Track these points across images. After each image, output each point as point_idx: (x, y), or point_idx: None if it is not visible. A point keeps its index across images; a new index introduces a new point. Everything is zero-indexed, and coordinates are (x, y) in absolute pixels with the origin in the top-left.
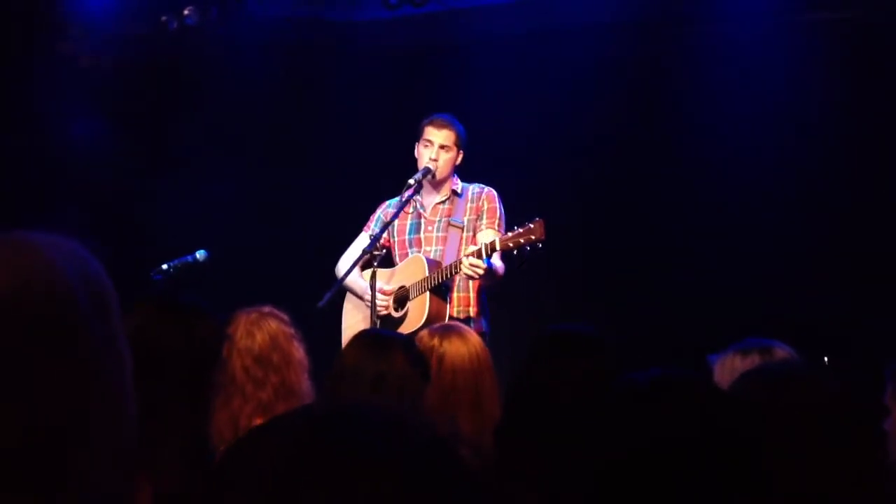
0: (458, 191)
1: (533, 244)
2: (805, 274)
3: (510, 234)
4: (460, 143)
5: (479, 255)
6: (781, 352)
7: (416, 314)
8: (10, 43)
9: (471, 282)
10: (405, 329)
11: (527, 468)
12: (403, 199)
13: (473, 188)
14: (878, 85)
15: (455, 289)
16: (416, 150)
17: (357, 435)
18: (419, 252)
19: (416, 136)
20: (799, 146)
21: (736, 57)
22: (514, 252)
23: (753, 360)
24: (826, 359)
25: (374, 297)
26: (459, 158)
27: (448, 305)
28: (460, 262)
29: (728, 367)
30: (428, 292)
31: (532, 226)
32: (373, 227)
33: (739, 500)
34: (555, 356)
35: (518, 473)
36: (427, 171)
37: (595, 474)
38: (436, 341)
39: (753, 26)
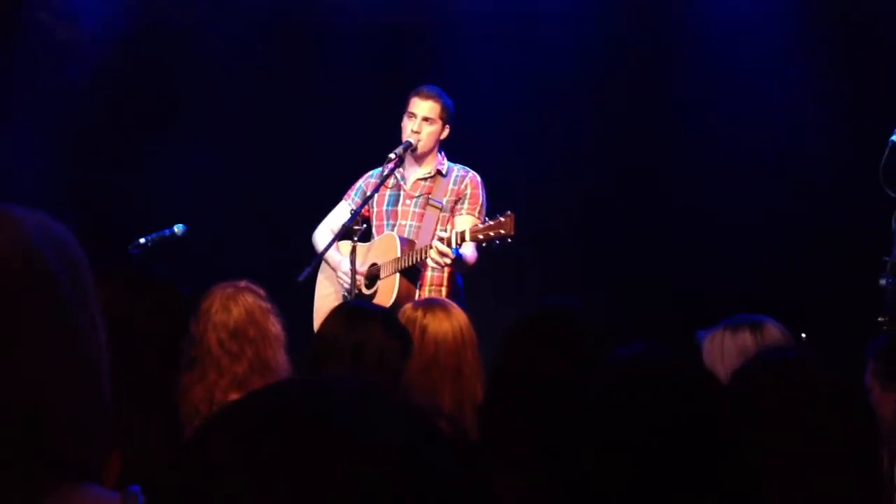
0: (444, 171)
1: (503, 238)
2: (795, 254)
3: (481, 225)
4: (446, 117)
5: (448, 243)
6: (772, 328)
7: (386, 293)
8: None
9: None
10: None
11: (509, 446)
12: (384, 174)
13: (458, 170)
14: (876, 68)
15: (428, 269)
16: (402, 123)
17: (331, 409)
18: (394, 224)
19: (403, 108)
20: (790, 128)
21: (729, 38)
22: (484, 244)
23: (744, 337)
24: (804, 335)
25: (353, 272)
26: (445, 133)
27: (418, 287)
28: (429, 248)
29: (717, 343)
30: (398, 273)
31: (502, 219)
32: (353, 196)
33: (719, 483)
34: (541, 332)
35: (500, 451)
36: (408, 144)
37: (576, 453)
38: (419, 314)
39: (749, 7)
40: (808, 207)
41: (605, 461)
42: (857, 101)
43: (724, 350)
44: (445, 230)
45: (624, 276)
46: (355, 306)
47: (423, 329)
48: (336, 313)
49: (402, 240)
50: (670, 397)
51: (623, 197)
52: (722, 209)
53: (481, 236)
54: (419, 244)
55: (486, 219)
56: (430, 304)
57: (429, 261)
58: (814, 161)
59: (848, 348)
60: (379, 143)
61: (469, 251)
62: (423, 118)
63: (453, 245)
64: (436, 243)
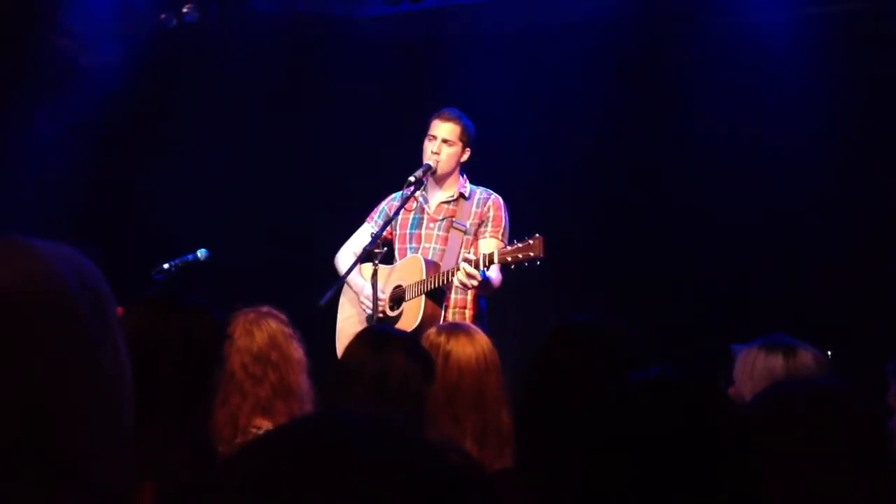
0: (466, 194)
1: (531, 261)
2: (812, 269)
3: (509, 248)
4: (466, 140)
5: (476, 265)
6: (806, 354)
7: (411, 315)
8: (5, 39)
9: None
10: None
11: (543, 459)
12: (404, 196)
13: (481, 193)
14: (889, 77)
15: (452, 290)
16: (423, 145)
17: (350, 436)
18: (418, 248)
19: (425, 130)
20: (805, 142)
21: (744, 48)
22: (512, 266)
23: (776, 359)
24: (829, 353)
25: (375, 295)
26: (465, 155)
27: (443, 309)
28: (457, 269)
29: (750, 361)
30: (424, 295)
31: (531, 242)
32: (376, 218)
33: (726, 499)
34: (573, 347)
35: (535, 464)
36: (428, 167)
37: (589, 466)
38: (442, 339)
39: (756, 19)
40: (819, 215)
41: (610, 473)
42: (862, 106)
43: (754, 369)
44: (471, 252)
45: (648, 295)
46: (379, 332)
47: (447, 354)
48: (359, 339)
49: (427, 262)
50: (679, 415)
51: (645, 211)
52: (741, 218)
53: (510, 258)
54: (444, 267)
55: (515, 241)
56: (453, 329)
57: (455, 282)
58: (843, 174)
59: (872, 363)
60: (398, 160)
61: (494, 274)
62: (443, 140)
63: (481, 267)
64: (463, 265)
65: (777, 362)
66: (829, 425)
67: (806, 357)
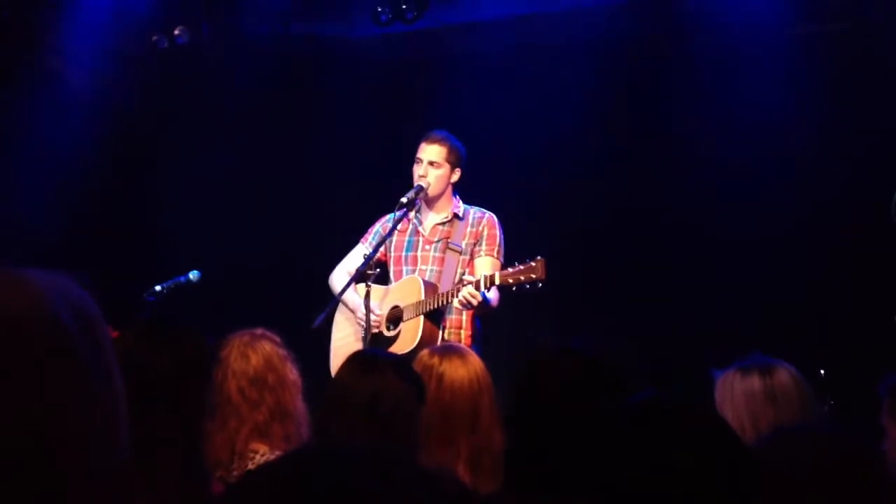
0: (460, 214)
1: (533, 282)
2: (804, 285)
3: (510, 269)
4: (454, 161)
5: (477, 286)
6: (783, 373)
7: (409, 336)
8: (2, 60)
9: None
10: (396, 349)
11: (531, 489)
12: (397, 218)
13: (475, 213)
14: (876, 96)
15: (448, 312)
16: (412, 169)
17: (351, 472)
18: (413, 270)
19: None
20: (798, 157)
21: (732, 69)
22: (513, 288)
23: (752, 381)
24: (822, 371)
25: (368, 316)
26: (455, 176)
27: (440, 330)
28: (457, 291)
29: (728, 385)
30: (422, 316)
31: (533, 264)
32: (370, 239)
33: None
34: (554, 374)
35: (524, 494)
36: (420, 188)
37: (589, 491)
38: (435, 360)
39: (749, 39)
40: (831, 237)
41: (618, 495)
42: (853, 122)
43: (732, 392)
44: (465, 272)
45: (644, 321)
46: (370, 355)
47: (440, 376)
48: (351, 362)
49: (425, 283)
50: (676, 443)
51: (639, 232)
52: (735, 236)
53: (511, 280)
54: (441, 288)
55: (516, 263)
56: (446, 351)
57: (455, 303)
58: (832, 189)
59: (864, 378)
60: (391, 181)
61: (493, 294)
62: (428, 162)
63: (482, 288)
64: (465, 287)
65: (754, 383)
66: (838, 476)
67: (783, 375)
